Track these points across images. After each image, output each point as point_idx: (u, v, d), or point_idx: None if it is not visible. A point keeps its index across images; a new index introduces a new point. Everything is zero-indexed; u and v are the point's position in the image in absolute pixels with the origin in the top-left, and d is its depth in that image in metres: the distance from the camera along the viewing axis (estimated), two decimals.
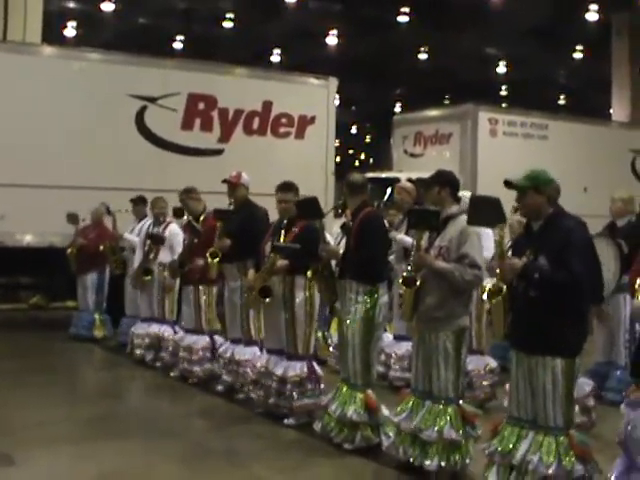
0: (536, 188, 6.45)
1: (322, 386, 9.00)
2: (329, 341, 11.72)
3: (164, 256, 12.01)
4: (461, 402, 7.28)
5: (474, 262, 6.96)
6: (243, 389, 9.74)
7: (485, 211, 6.60)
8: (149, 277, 12.15)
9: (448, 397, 7.15)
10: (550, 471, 6.16)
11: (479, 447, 7.01)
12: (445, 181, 7.41)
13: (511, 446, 6.42)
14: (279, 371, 8.95)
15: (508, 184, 6.62)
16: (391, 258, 9.96)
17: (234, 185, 10.18)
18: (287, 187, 9.24)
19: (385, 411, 8.06)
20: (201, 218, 11.06)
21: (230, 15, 27.17)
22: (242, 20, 27.15)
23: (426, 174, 7.81)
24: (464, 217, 7.12)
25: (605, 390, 10.20)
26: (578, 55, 30.30)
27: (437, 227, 7.17)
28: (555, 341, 6.27)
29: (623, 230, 10.10)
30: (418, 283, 7.09)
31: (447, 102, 35.47)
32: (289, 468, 7.73)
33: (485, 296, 6.65)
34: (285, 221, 9.11)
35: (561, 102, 39.19)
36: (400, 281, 7.25)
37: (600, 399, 9.78)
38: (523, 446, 6.37)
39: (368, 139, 51.24)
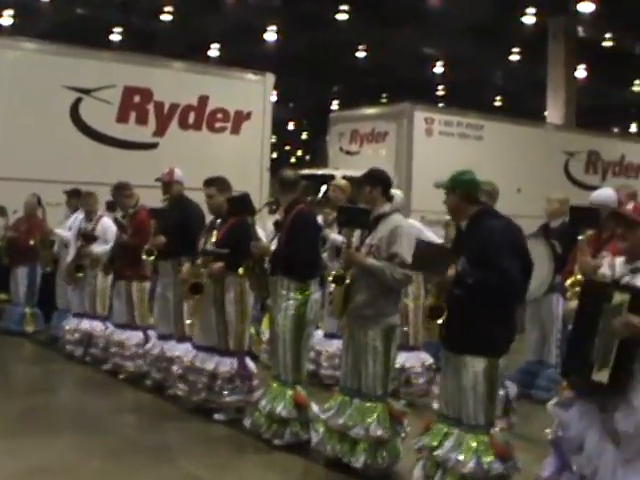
0: (452, 189, 6.53)
1: (255, 382, 8.99)
2: (262, 337, 11.71)
3: (97, 247, 11.84)
4: (390, 400, 7.33)
5: (404, 261, 6.98)
6: (171, 385, 9.70)
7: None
8: (81, 274, 12.01)
9: (376, 395, 7.18)
10: (466, 470, 6.22)
11: (408, 444, 7.08)
12: (377, 180, 7.42)
13: (436, 443, 6.47)
14: (210, 366, 8.94)
15: (436, 185, 6.67)
16: (324, 256, 9.97)
17: (168, 183, 10.15)
18: (209, 182, 9.26)
19: (315, 408, 8.08)
20: (130, 212, 10.97)
21: (169, 8, 26.95)
22: (181, 13, 26.96)
23: (361, 172, 7.80)
24: (395, 216, 7.18)
25: (535, 388, 10.32)
26: (515, 57, 30.52)
27: (368, 225, 7.20)
28: (477, 341, 6.31)
29: (557, 231, 10.20)
30: (348, 281, 7.12)
31: (385, 100, 35.51)
32: (217, 464, 7.72)
33: (330, 279, 6.99)
34: (219, 220, 9.11)
35: (497, 103, 39.46)
36: (330, 279, 7.27)
37: (529, 397, 9.93)
38: (447, 444, 6.42)
39: (305, 136, 51.26)
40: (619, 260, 5.74)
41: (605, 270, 5.85)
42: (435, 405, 8.99)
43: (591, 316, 5.40)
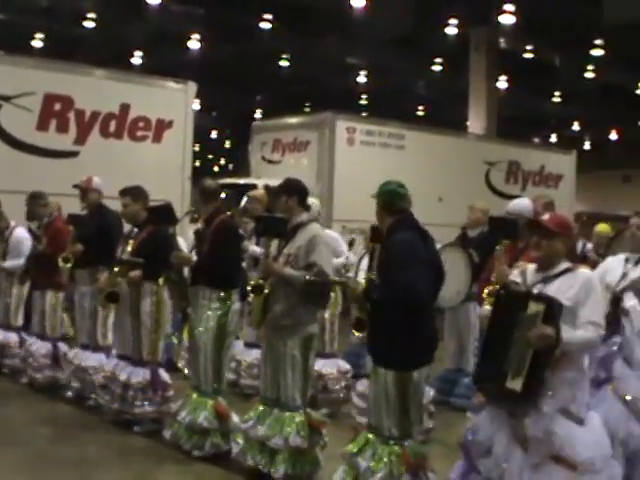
0: (376, 199, 6.71)
1: (169, 393, 8.94)
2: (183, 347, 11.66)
3: (9, 262, 11.60)
4: (309, 409, 7.34)
5: (322, 270, 7.01)
6: (91, 395, 9.61)
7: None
8: None
9: (295, 404, 7.20)
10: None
11: (329, 453, 7.12)
12: (293, 190, 7.44)
13: (356, 450, 6.52)
14: (123, 376, 8.86)
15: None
16: (243, 265, 9.97)
17: (85, 190, 10.07)
18: (124, 191, 9.24)
19: (235, 418, 8.06)
20: (45, 222, 10.83)
21: (92, 15, 26.73)
22: (104, 20, 26.73)
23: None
24: (313, 225, 7.21)
25: (453, 396, 10.42)
26: (437, 67, 30.76)
27: (285, 235, 7.21)
28: (387, 354, 6.43)
29: (475, 240, 10.32)
30: (266, 291, 7.13)
31: (308, 110, 35.59)
32: (136, 476, 7.68)
33: (249, 289, 7.07)
34: (136, 229, 9.07)
35: (420, 113, 39.74)
36: (248, 289, 7.27)
37: (448, 405, 10.03)
38: (367, 453, 6.48)
39: (228, 144, 51.13)
40: (530, 268, 5.85)
41: (516, 278, 5.95)
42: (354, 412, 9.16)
43: (506, 325, 5.50)
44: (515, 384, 5.36)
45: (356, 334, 6.96)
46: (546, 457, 5.42)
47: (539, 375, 5.36)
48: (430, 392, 9.00)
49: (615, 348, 6.98)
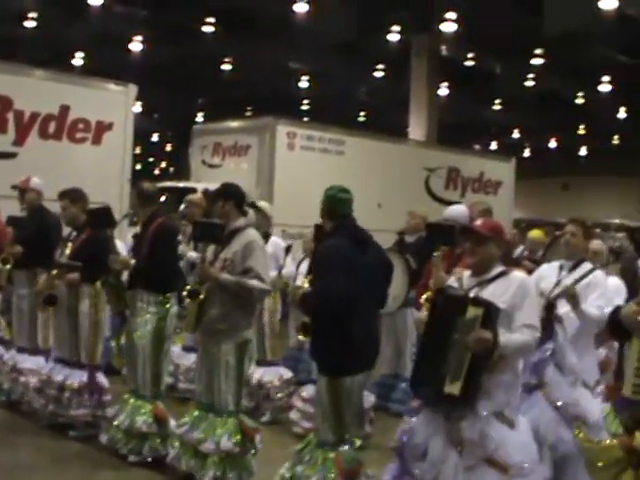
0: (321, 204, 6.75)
1: (106, 397, 8.88)
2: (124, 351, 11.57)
3: None
4: (242, 416, 7.34)
5: (259, 275, 7.03)
6: (25, 399, 9.51)
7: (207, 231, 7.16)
8: None
9: (229, 409, 7.20)
10: None
11: (261, 459, 7.15)
12: (229, 194, 7.44)
13: (299, 449, 6.67)
14: (59, 378, 8.79)
15: None
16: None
17: (23, 190, 9.98)
18: (62, 194, 9.19)
19: (172, 422, 8.03)
20: None
21: (33, 14, 26.47)
22: (45, 20, 26.47)
23: None
24: (250, 230, 7.22)
25: (391, 401, 10.47)
26: (379, 74, 30.88)
27: (221, 240, 7.21)
28: (320, 359, 6.64)
29: (412, 246, 10.38)
30: (202, 296, 7.13)
31: (250, 114, 35.55)
32: None
33: (185, 294, 7.10)
34: (75, 232, 9.01)
35: (361, 119, 39.87)
36: (184, 294, 7.26)
37: (386, 410, 10.07)
38: (305, 456, 6.60)
39: (169, 148, 50.92)
40: (466, 274, 5.93)
41: (452, 283, 6.03)
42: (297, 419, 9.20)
43: (444, 329, 5.55)
44: (453, 388, 5.41)
45: (302, 338, 7.05)
46: (480, 460, 5.50)
47: (477, 379, 5.43)
48: (371, 398, 9.07)
49: (547, 354, 7.08)
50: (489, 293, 5.66)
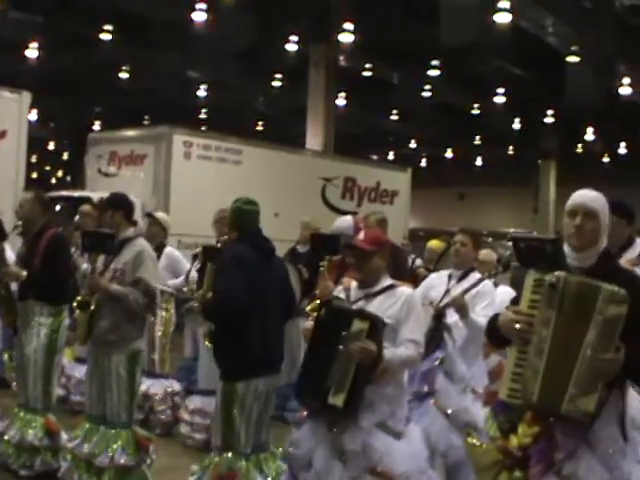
0: None
1: None
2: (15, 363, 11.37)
3: None
4: (135, 427, 7.29)
5: (148, 286, 6.99)
6: None
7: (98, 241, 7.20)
8: None
9: (121, 422, 7.13)
10: None
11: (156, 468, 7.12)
12: (119, 204, 7.40)
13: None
14: None
15: None
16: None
17: None
18: None
19: (64, 436, 7.93)
20: None
21: None
22: None
23: None
24: (140, 240, 7.18)
25: (286, 410, 10.47)
26: (277, 83, 30.87)
27: (111, 250, 7.16)
28: (217, 363, 6.70)
29: (305, 256, 10.42)
30: (93, 307, 7.06)
31: (147, 123, 35.29)
32: None
33: (75, 305, 7.06)
34: None
35: (259, 128, 39.85)
36: (75, 305, 7.18)
37: (282, 420, 10.08)
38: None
39: (66, 156, 50.24)
40: (354, 284, 5.98)
41: (340, 294, 6.07)
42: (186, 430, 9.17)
43: (329, 341, 5.59)
44: (337, 399, 5.46)
45: (208, 345, 7.19)
46: (364, 471, 5.55)
47: (360, 391, 5.48)
48: None
49: (437, 363, 7.17)
50: (375, 306, 5.74)
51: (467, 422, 7.18)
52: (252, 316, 6.57)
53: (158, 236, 10.01)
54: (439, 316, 7.20)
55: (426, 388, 7.18)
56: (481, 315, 7.09)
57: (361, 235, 6.19)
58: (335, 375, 5.51)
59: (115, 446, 7.05)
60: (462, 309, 7.10)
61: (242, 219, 6.93)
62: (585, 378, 4.36)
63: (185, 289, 9.97)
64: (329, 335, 5.67)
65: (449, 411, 7.18)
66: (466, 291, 7.21)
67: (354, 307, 5.77)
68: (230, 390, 6.59)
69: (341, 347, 5.52)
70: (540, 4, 21.76)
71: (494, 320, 4.85)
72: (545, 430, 4.57)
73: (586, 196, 4.73)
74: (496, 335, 4.83)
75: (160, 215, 10.41)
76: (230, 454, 6.64)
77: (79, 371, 10.21)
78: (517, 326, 4.56)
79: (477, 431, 7.06)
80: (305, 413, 5.99)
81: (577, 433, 4.51)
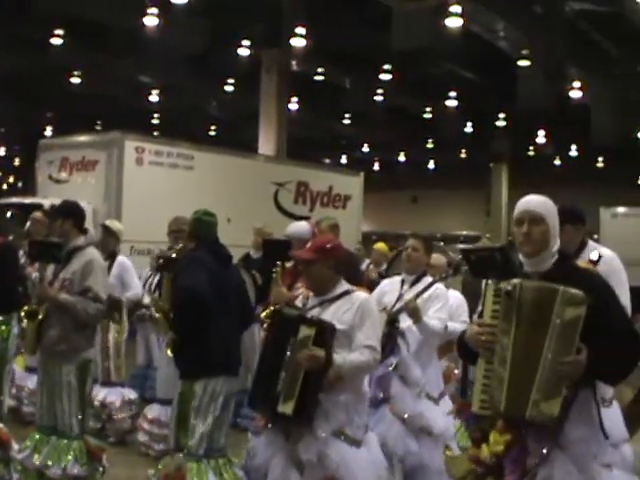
0: None
1: None
2: None
3: None
4: (87, 436, 7.24)
5: (97, 296, 6.95)
6: None
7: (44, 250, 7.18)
8: None
9: (73, 432, 7.06)
10: None
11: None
12: (68, 213, 7.33)
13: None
14: None
15: None
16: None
17: None
18: None
19: (15, 447, 7.84)
20: None
21: None
22: None
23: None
24: (90, 249, 7.14)
25: (240, 417, 10.44)
26: (230, 88, 30.83)
27: (59, 259, 7.11)
28: (176, 362, 6.82)
29: (258, 262, 10.41)
30: (40, 317, 7.01)
31: (100, 128, 35.11)
32: None
33: (23, 314, 7.01)
34: None
35: (212, 133, 39.79)
36: (22, 314, 7.13)
37: (236, 426, 10.05)
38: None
39: (17, 162, 49.86)
40: (312, 293, 5.99)
41: (299, 301, 6.09)
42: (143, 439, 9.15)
43: (278, 348, 5.59)
44: (286, 407, 5.46)
45: (170, 355, 7.14)
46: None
47: (311, 398, 5.48)
48: None
49: (391, 368, 7.19)
50: (330, 313, 5.73)
51: (422, 427, 7.22)
52: (213, 316, 6.66)
53: (111, 245, 9.95)
54: (393, 321, 7.21)
55: (381, 394, 7.19)
56: (434, 318, 7.15)
57: (308, 244, 6.23)
58: (284, 383, 5.52)
59: (68, 457, 6.98)
60: (415, 313, 7.12)
61: (201, 229, 7.11)
62: (548, 383, 4.39)
63: (147, 300, 9.88)
64: (278, 342, 5.70)
65: (405, 416, 7.21)
66: (418, 295, 7.23)
67: (309, 314, 5.76)
68: (188, 389, 6.66)
69: (288, 354, 5.52)
70: (491, 9, 21.96)
71: (462, 336, 4.89)
72: (517, 437, 4.59)
73: (531, 202, 4.75)
74: (466, 351, 4.86)
75: (114, 225, 10.34)
76: (181, 455, 6.67)
77: (31, 381, 10.05)
78: (482, 338, 4.59)
79: (431, 436, 7.12)
80: (262, 422, 5.97)
81: (548, 438, 4.53)
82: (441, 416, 7.24)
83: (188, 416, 6.64)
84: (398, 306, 7.30)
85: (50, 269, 7.21)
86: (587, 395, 4.59)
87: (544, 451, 4.53)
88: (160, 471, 6.80)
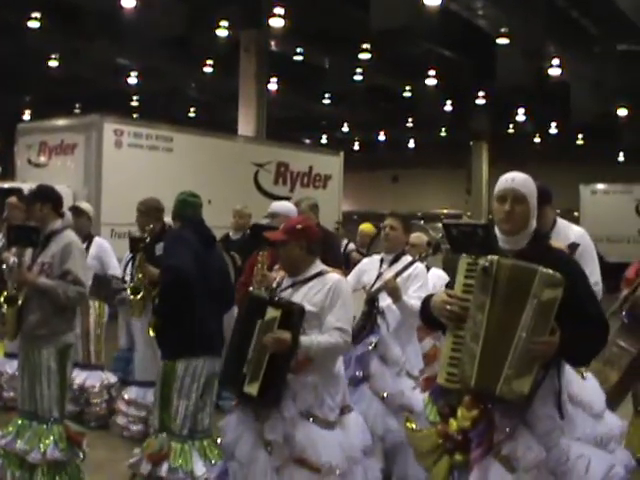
0: None
1: None
2: None
3: None
4: (67, 421, 7.23)
5: (77, 278, 6.93)
6: None
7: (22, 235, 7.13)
8: None
9: (53, 417, 7.03)
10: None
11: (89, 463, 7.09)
12: (46, 197, 7.30)
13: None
14: None
15: None
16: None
17: None
18: None
19: None
20: None
21: None
22: None
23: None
24: (68, 232, 7.12)
25: (222, 399, 10.46)
26: (208, 69, 30.75)
27: (37, 243, 7.09)
28: (159, 343, 6.98)
29: (238, 243, 10.42)
30: (20, 302, 6.99)
31: (78, 111, 35.00)
32: None
33: (2, 300, 6.97)
34: None
35: (191, 115, 39.71)
36: (2, 300, 7.10)
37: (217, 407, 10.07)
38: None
39: None
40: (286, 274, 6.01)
41: (275, 284, 6.10)
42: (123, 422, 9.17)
43: (246, 330, 5.63)
44: (252, 388, 5.51)
45: (152, 335, 7.31)
46: (289, 460, 5.56)
47: (277, 379, 5.51)
48: None
49: (371, 347, 7.22)
50: (302, 294, 5.73)
51: (402, 405, 7.25)
52: (196, 297, 6.74)
53: (86, 227, 9.92)
54: (372, 300, 7.26)
55: (361, 373, 7.22)
56: (414, 297, 7.16)
57: (279, 223, 6.28)
58: (250, 364, 5.55)
59: (47, 442, 6.92)
60: (394, 292, 7.16)
61: (187, 210, 7.26)
62: (520, 361, 4.41)
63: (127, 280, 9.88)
64: (246, 323, 5.74)
65: (385, 394, 7.24)
66: (398, 274, 7.26)
67: (281, 295, 5.77)
68: (170, 369, 6.74)
69: (255, 336, 5.55)
70: None
71: (427, 301, 4.91)
72: (484, 413, 4.62)
73: (515, 181, 4.77)
74: (428, 316, 4.88)
75: (84, 205, 10.32)
76: (164, 434, 6.75)
77: (11, 367, 10.02)
78: (448, 307, 4.61)
79: (414, 414, 7.14)
80: (235, 401, 6.01)
81: (515, 414, 4.57)
82: (421, 394, 7.28)
83: (171, 397, 6.72)
84: (377, 285, 7.34)
85: (28, 253, 7.18)
86: (553, 373, 4.64)
87: (507, 430, 4.57)
88: (144, 451, 6.85)
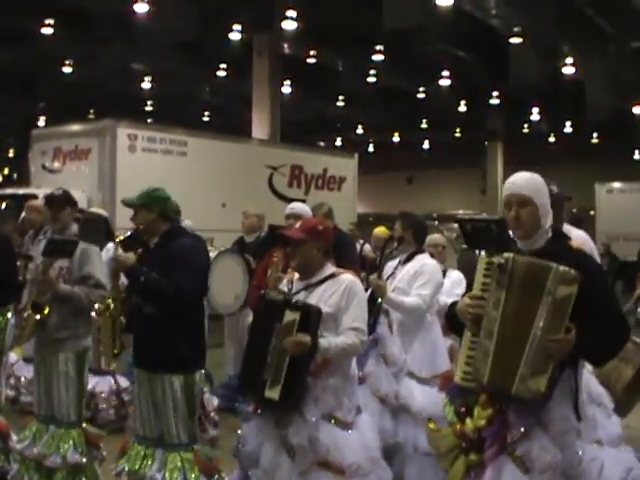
0: (147, 206, 6.53)
1: None
2: None
3: None
4: (85, 425, 7.21)
5: (99, 282, 6.91)
6: None
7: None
8: None
9: (71, 420, 7.03)
10: None
11: (105, 468, 7.04)
12: (73, 201, 7.34)
13: (137, 466, 6.45)
14: None
15: (123, 202, 6.69)
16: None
17: None
18: None
19: (14, 437, 7.81)
20: None
21: None
22: None
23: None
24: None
25: (237, 402, 10.44)
26: (222, 73, 30.75)
27: (72, 255, 6.99)
28: (170, 358, 6.37)
29: (252, 246, 10.39)
30: (47, 310, 6.90)
31: (92, 117, 35.06)
32: None
33: (30, 307, 6.87)
34: None
35: (205, 119, 39.72)
36: (30, 305, 7.03)
37: (233, 411, 10.05)
38: (153, 465, 6.43)
39: (11, 153, 49.77)
40: (296, 276, 5.96)
41: (284, 286, 6.05)
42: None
43: (264, 334, 5.58)
44: (273, 393, 5.46)
45: None
46: (313, 464, 5.53)
47: (298, 383, 5.48)
48: (214, 401, 9.05)
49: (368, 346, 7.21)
50: (317, 296, 5.71)
51: (399, 405, 7.24)
52: (202, 306, 6.71)
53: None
54: (372, 300, 7.22)
55: (360, 372, 7.20)
56: (414, 295, 7.19)
57: (297, 224, 6.20)
58: (270, 368, 5.51)
59: (66, 445, 6.93)
60: (378, 289, 7.21)
61: (170, 207, 6.74)
62: (536, 359, 4.38)
63: None
64: (264, 327, 5.67)
65: (382, 394, 7.23)
66: (380, 271, 7.36)
67: (295, 299, 5.73)
68: (191, 382, 6.42)
69: (274, 339, 5.51)
70: None
71: (452, 307, 4.88)
72: (498, 412, 4.59)
73: (515, 184, 4.72)
74: (454, 323, 4.85)
75: (95, 210, 10.33)
76: (200, 446, 6.60)
77: (29, 371, 10.02)
78: (470, 310, 4.58)
79: (410, 414, 7.15)
80: (252, 407, 5.96)
81: (530, 414, 4.54)
82: (421, 395, 7.24)
83: (195, 408, 6.52)
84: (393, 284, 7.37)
85: (39, 259, 7.11)
86: (569, 373, 4.60)
87: (522, 429, 4.53)
88: (165, 465, 6.70)
